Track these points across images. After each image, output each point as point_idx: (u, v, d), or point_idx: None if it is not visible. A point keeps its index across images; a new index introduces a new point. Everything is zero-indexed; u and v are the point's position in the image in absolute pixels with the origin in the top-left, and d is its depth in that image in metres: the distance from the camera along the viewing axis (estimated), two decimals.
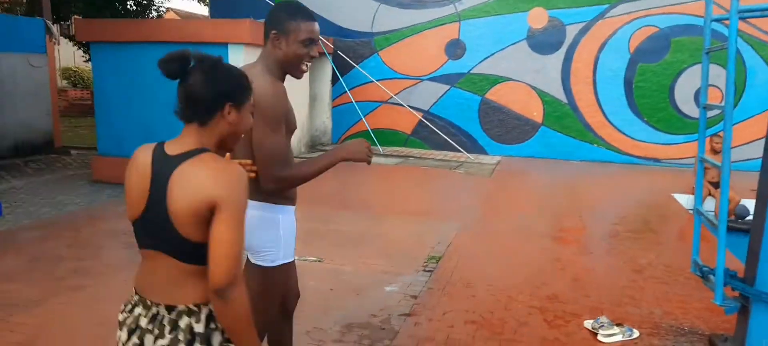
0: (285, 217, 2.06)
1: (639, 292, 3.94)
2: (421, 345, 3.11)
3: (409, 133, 10.92)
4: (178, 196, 1.33)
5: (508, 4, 10.17)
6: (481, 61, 10.46)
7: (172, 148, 1.41)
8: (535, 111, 10.38)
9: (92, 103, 9.79)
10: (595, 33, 9.86)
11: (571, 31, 9.95)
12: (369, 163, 2.11)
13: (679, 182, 7.81)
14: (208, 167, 1.36)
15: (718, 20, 3.02)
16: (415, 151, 10.45)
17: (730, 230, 6.01)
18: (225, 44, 7.61)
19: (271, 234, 2.02)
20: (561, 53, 10.06)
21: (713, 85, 9.19)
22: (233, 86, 1.43)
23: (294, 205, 2.14)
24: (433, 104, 10.72)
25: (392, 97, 10.61)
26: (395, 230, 5.44)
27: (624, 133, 9.98)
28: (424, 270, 4.25)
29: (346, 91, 10.75)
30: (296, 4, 2.02)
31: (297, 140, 9.97)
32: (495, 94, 10.48)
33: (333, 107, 11.16)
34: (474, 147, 10.60)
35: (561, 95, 10.18)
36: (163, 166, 1.38)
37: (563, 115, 10.21)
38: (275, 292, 2.11)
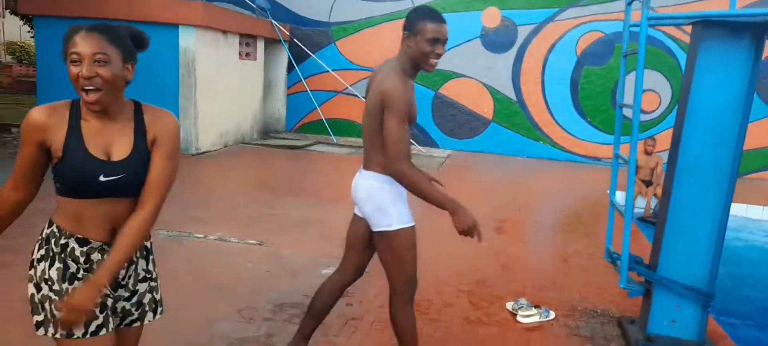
0: (390, 187, 2.32)
1: (562, 278, 4.19)
2: (348, 324, 3.23)
3: None
4: None
5: (464, 2, 10.39)
6: None
7: None
8: (486, 108, 10.66)
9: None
10: (545, 35, 10.21)
11: (523, 32, 10.27)
12: (464, 235, 2.27)
13: (620, 179, 8.19)
14: None
15: (635, 26, 3.23)
16: None
17: (650, 224, 6.38)
18: (175, 25, 7.52)
19: (378, 201, 2.33)
20: (512, 53, 10.37)
21: (652, 90, 9.70)
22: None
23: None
24: None
25: (347, 87, 10.69)
26: (339, 217, 5.52)
27: (568, 132, 10.39)
28: None
29: (301, 80, 10.75)
30: (427, 7, 2.30)
31: (250, 126, 9.93)
32: (448, 90, 10.71)
33: (288, 95, 11.15)
34: (426, 140, 10.81)
35: (511, 93, 10.49)
36: None
37: (512, 113, 10.54)
38: (405, 253, 2.41)
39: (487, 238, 5.09)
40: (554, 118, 10.41)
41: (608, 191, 7.60)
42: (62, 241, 1.58)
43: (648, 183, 7.27)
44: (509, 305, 3.54)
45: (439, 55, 2.24)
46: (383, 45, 10.75)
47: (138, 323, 1.74)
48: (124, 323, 1.71)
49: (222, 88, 8.77)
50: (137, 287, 1.72)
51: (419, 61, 2.25)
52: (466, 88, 10.63)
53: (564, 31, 10.10)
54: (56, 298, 1.55)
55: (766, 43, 2.83)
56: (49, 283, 1.57)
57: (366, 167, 2.39)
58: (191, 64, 7.84)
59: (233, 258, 4.15)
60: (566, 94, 10.30)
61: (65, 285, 1.56)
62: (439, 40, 2.22)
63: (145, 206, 1.58)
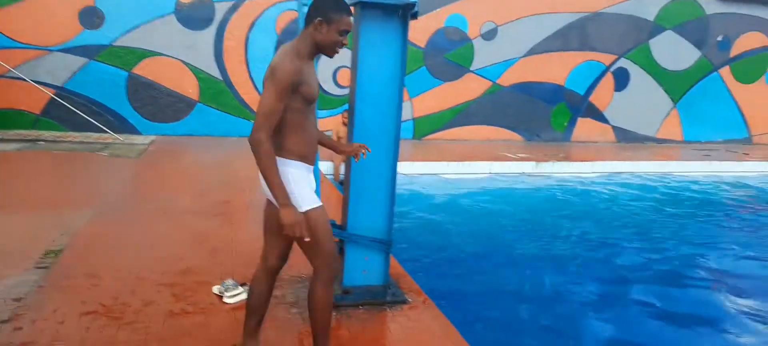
0: (293, 170, 2.38)
1: None
2: None
3: (38, 113, 9.27)
4: None
5: None
6: (126, 33, 9.58)
7: None
8: (190, 88, 10.13)
9: None
10: (244, 12, 10.16)
11: (220, 9, 10.01)
12: (288, 231, 2.26)
13: (323, 152, 8.78)
14: None
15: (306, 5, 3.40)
16: (47, 134, 8.94)
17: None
18: None
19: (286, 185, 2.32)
20: (212, 30, 10.04)
21: (347, 66, 10.65)
22: None
23: (304, 162, 2.43)
24: (69, 79, 9.34)
25: (10, 70, 8.77)
26: (2, 229, 4.53)
27: None
28: (36, 268, 3.66)
29: None
30: None
31: None
32: (144, 70, 9.78)
33: None
34: (124, 127, 9.72)
35: (216, 72, 10.19)
36: None
37: (219, 92, 10.26)
38: (319, 233, 2.40)
39: (195, 224, 4.88)
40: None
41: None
42: None
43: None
44: (215, 289, 3.44)
45: (343, 45, 2.38)
46: (55, 19, 9.15)
47: None
48: None
49: None
50: None
51: (326, 48, 2.37)
52: (165, 67, 9.88)
53: (262, 9, 10.23)
54: None
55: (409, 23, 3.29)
56: None
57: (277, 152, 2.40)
58: None
59: None
60: None
61: None
62: (348, 32, 2.37)
63: None
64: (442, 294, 3.83)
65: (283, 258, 2.65)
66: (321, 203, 2.48)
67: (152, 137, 9.59)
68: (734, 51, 13.04)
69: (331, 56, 2.44)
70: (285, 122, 2.33)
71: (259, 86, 10.47)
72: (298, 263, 3.99)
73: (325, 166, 8.00)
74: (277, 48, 10.36)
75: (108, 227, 4.62)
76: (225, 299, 3.31)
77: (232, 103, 10.35)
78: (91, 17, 9.31)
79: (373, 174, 3.40)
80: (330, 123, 10.68)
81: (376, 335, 3.09)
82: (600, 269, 5.37)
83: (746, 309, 4.53)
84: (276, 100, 2.23)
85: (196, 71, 10.07)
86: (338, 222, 3.54)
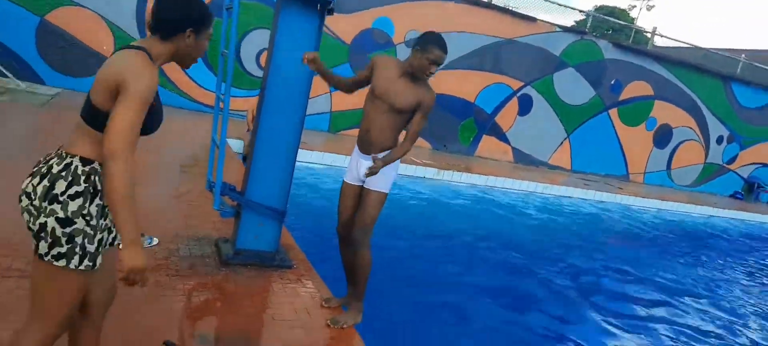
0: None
1: (171, 212, 4.50)
2: None
3: None
4: (102, 69, 1.71)
5: None
6: None
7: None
8: (104, 44, 9.83)
9: None
10: None
11: None
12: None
13: (237, 130, 8.92)
14: (129, 56, 1.70)
15: None
16: None
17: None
18: None
19: None
20: None
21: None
22: (197, 15, 1.81)
23: (356, 145, 3.26)
24: None
25: None
26: None
27: (195, 82, 10.62)
28: None
29: None
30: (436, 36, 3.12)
31: None
32: (57, 18, 9.38)
33: None
34: (27, 74, 9.27)
35: (135, 32, 9.97)
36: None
37: None
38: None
39: None
40: None
41: (229, 140, 8.27)
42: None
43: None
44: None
45: (431, 74, 3.04)
46: None
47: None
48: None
49: None
50: None
51: (417, 71, 3.06)
52: (79, 18, 9.54)
53: None
54: (92, 233, 1.72)
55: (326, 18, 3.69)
56: (88, 218, 1.70)
57: None
58: None
59: None
60: None
61: (103, 221, 1.78)
62: (437, 63, 3.02)
63: None
64: (330, 267, 4.24)
65: (351, 226, 3.24)
66: (345, 179, 3.28)
67: (58, 89, 9.23)
68: (624, 95, 14.63)
69: (422, 77, 3.07)
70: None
71: None
72: (197, 224, 4.26)
73: (237, 145, 8.17)
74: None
75: (5, 173, 4.60)
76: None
77: None
78: None
79: (276, 148, 3.75)
80: (246, 103, 10.76)
81: (258, 290, 3.44)
82: (466, 259, 6.08)
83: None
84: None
85: (114, 28, 9.80)
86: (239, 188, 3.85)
